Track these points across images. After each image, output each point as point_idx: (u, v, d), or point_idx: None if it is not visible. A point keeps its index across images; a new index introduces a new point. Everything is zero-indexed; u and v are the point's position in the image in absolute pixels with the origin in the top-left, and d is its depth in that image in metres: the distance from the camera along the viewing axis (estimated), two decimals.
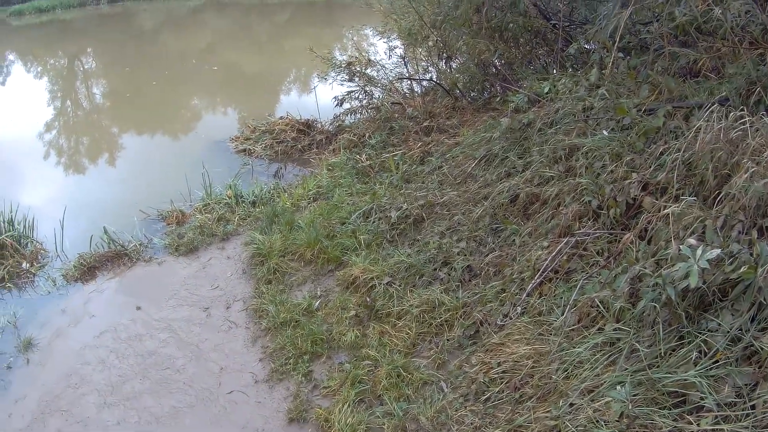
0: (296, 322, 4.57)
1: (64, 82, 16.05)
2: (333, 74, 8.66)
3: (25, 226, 6.69)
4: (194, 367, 4.47)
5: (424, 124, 7.18)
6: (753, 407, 2.41)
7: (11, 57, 20.83)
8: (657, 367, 2.72)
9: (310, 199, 6.63)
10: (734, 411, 2.42)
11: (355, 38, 16.17)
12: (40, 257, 6.37)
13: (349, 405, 3.68)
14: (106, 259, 6.08)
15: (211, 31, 23.25)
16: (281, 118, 9.23)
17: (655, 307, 2.83)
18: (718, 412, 2.44)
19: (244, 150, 8.70)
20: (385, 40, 10.19)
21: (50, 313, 5.39)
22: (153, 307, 5.25)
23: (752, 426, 2.35)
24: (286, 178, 7.74)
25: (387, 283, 4.57)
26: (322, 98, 9.10)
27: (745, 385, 2.47)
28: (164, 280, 5.66)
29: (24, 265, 6.19)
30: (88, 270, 5.94)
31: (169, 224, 6.69)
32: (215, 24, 25.46)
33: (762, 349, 2.49)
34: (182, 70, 15.64)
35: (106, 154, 10.09)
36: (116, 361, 4.62)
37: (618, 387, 2.63)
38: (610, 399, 2.66)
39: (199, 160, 7.98)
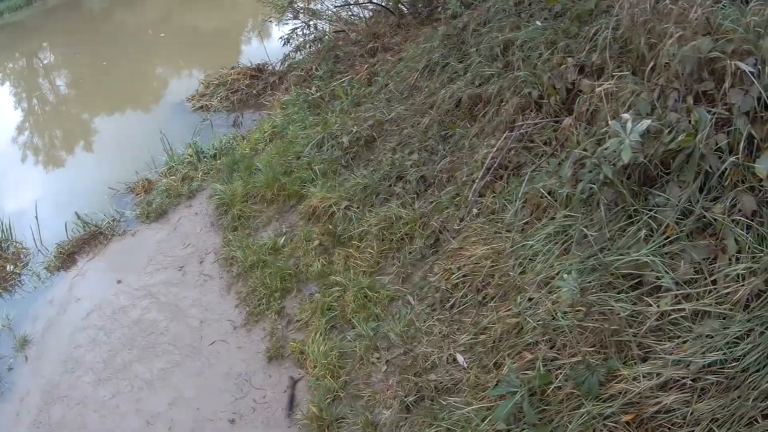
0: (264, 262, 4.65)
1: (26, 81, 15.15)
2: (279, 15, 8.45)
3: (2, 230, 6.65)
4: (176, 326, 4.56)
5: (369, 46, 7.09)
6: (714, 282, 2.32)
7: None
8: (608, 250, 2.67)
9: (266, 140, 6.58)
10: (694, 288, 2.34)
11: None
12: (22, 256, 6.36)
13: (321, 334, 3.75)
14: (84, 242, 6.12)
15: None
16: (232, 68, 9.13)
17: (595, 187, 2.76)
18: (677, 290, 2.36)
19: (202, 107, 8.63)
20: None
21: (40, 307, 5.45)
22: (132, 277, 5.32)
23: (715, 302, 2.26)
24: (246, 125, 7.73)
25: (345, 208, 4.58)
26: (272, 42, 9.12)
27: (704, 259, 2.38)
28: (140, 249, 5.73)
29: (8, 267, 6.18)
30: (68, 257, 5.99)
31: (137, 194, 6.69)
32: None
33: (715, 219, 2.39)
34: (136, 44, 14.68)
35: (74, 142, 9.87)
36: (105, 338, 4.71)
37: (565, 275, 2.59)
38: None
39: (159, 127, 7.85)
